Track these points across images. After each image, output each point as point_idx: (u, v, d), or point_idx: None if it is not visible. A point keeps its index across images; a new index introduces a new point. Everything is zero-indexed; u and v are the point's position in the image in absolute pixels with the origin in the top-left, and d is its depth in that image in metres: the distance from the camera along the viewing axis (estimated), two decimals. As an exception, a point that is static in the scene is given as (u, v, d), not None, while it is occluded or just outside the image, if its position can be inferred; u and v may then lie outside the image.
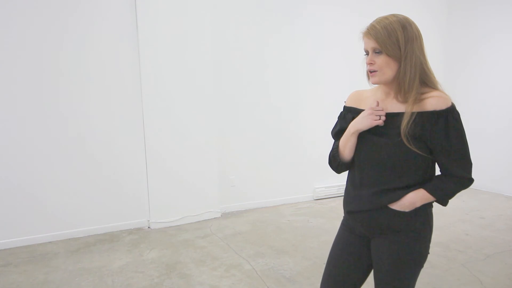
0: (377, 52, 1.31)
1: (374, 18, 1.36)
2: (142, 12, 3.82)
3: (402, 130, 1.28)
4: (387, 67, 1.30)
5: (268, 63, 4.65)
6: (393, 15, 1.32)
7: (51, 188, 3.66)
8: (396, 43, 1.28)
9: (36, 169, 3.60)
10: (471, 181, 1.34)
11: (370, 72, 1.34)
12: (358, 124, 1.38)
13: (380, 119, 1.34)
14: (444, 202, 1.38)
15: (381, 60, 1.30)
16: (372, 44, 1.31)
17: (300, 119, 4.90)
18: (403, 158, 1.31)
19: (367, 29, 1.33)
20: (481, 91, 5.37)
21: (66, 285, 2.77)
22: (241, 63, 4.51)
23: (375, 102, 1.40)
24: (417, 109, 1.28)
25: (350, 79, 4.88)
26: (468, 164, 1.33)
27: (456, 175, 1.32)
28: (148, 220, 4.07)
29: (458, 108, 1.31)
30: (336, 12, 4.98)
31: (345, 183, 1.54)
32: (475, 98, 5.38)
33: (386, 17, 1.32)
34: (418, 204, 1.33)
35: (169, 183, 4.06)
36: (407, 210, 1.33)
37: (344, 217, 1.56)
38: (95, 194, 3.84)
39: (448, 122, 1.26)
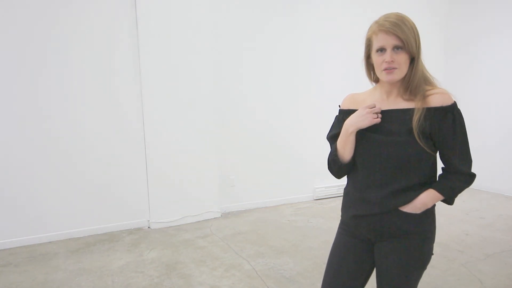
0: (398, 49, 1.27)
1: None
2: (142, 13, 3.82)
3: (414, 126, 1.27)
4: (405, 65, 1.28)
5: (268, 64, 4.65)
6: (399, 12, 1.30)
7: (51, 188, 3.66)
8: (415, 41, 1.27)
9: (36, 169, 3.60)
10: (474, 177, 1.34)
11: (387, 70, 1.29)
12: (358, 123, 1.35)
13: (377, 117, 1.33)
14: (452, 201, 1.38)
15: (401, 57, 1.27)
16: (393, 41, 1.26)
17: (300, 119, 4.90)
18: (411, 156, 1.29)
19: (385, 24, 1.26)
20: (481, 91, 5.37)
21: (66, 285, 2.77)
22: (242, 63, 4.52)
23: (376, 103, 1.38)
24: (423, 105, 1.28)
25: (349, 80, 4.88)
26: (470, 161, 1.34)
27: (461, 171, 1.32)
28: (148, 220, 4.07)
29: (453, 98, 1.33)
30: (336, 14, 4.98)
31: (345, 183, 1.51)
32: (475, 98, 5.38)
33: (398, 14, 1.28)
34: (430, 205, 1.32)
35: (169, 183, 4.06)
36: (418, 212, 1.32)
37: (342, 221, 1.51)
38: (95, 194, 3.84)
39: (455, 118, 1.27)
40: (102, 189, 3.87)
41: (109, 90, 3.84)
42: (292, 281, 2.77)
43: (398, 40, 1.25)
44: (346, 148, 1.40)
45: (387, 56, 1.27)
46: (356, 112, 1.38)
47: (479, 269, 2.91)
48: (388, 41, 1.26)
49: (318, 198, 5.05)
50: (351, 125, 1.37)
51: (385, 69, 1.29)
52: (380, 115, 1.34)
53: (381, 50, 1.29)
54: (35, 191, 3.61)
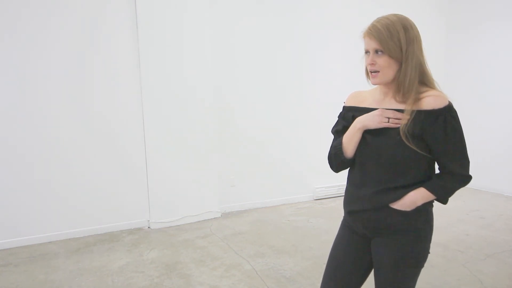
0: (378, 52, 1.30)
1: (374, 18, 1.35)
2: (142, 14, 3.82)
3: (401, 129, 1.29)
4: (388, 68, 1.30)
5: (266, 65, 4.65)
6: (394, 15, 1.32)
7: (51, 188, 3.66)
8: (398, 45, 1.28)
9: (36, 169, 3.60)
10: (469, 178, 1.35)
11: (371, 73, 1.34)
12: (366, 121, 1.37)
13: (388, 122, 1.33)
14: (444, 201, 1.39)
15: (382, 60, 1.30)
16: (373, 44, 1.30)
17: (300, 119, 4.89)
18: (403, 157, 1.31)
19: (369, 29, 1.32)
20: (481, 91, 5.37)
21: (66, 285, 2.77)
22: (241, 63, 4.51)
23: (374, 103, 1.41)
24: (415, 107, 1.29)
25: (349, 79, 4.88)
26: (466, 162, 1.34)
27: (455, 172, 1.33)
28: (148, 220, 4.07)
29: (458, 107, 1.32)
30: (337, 15, 4.98)
31: (345, 183, 1.54)
32: (475, 98, 5.38)
33: (387, 17, 1.31)
34: (419, 203, 1.34)
35: (169, 183, 4.06)
36: (408, 209, 1.33)
37: (344, 217, 1.56)
38: (95, 194, 3.84)
39: (446, 120, 1.27)
40: (102, 189, 3.87)
41: (109, 91, 3.84)
42: (292, 281, 2.77)
43: (377, 44, 1.29)
44: (351, 143, 1.42)
45: (369, 59, 1.33)
46: (372, 111, 1.38)
47: (479, 269, 2.91)
48: (369, 45, 1.32)
49: (318, 198, 5.05)
50: (359, 122, 1.39)
51: (370, 72, 1.35)
52: (390, 120, 1.33)
53: (367, 52, 1.35)
54: (35, 191, 3.61)
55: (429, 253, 1.41)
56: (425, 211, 1.37)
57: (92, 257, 3.27)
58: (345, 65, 5.00)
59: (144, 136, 3.99)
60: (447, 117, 1.27)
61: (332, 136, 1.56)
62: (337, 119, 1.55)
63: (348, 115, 1.47)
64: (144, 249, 3.43)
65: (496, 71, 5.17)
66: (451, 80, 5.54)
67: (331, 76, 5.01)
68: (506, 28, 5.01)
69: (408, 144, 1.28)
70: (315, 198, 5.05)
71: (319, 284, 1.58)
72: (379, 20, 1.31)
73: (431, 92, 1.30)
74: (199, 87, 4.14)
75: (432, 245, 1.43)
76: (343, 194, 1.55)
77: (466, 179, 1.35)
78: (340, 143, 1.45)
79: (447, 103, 1.28)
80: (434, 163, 1.38)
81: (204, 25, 4.11)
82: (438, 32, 5.75)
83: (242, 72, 4.53)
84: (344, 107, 1.53)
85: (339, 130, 1.50)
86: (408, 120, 1.28)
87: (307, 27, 4.83)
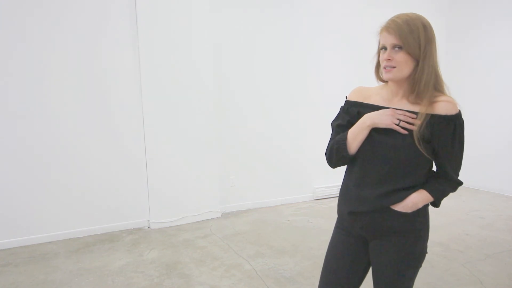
0: (396, 48, 1.28)
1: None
2: (142, 13, 3.82)
3: (415, 131, 1.27)
4: (405, 65, 1.28)
5: (267, 65, 4.65)
6: (413, 13, 1.30)
7: (51, 188, 3.66)
8: (417, 41, 1.26)
9: (36, 169, 3.60)
10: (461, 184, 1.40)
11: (386, 68, 1.31)
12: (376, 119, 1.33)
13: (399, 123, 1.30)
14: (438, 203, 1.42)
15: (399, 56, 1.27)
16: (392, 39, 1.28)
17: (300, 119, 4.89)
18: (410, 159, 1.31)
19: (388, 24, 1.29)
20: (481, 92, 5.37)
21: (66, 285, 2.77)
22: (242, 64, 4.51)
23: (382, 101, 1.38)
24: (428, 111, 1.28)
25: (349, 79, 4.89)
26: (459, 169, 1.38)
27: (452, 178, 1.36)
28: (148, 220, 4.07)
29: (458, 107, 1.32)
30: (337, 15, 4.98)
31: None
32: (475, 98, 5.38)
33: (407, 14, 1.29)
34: (420, 205, 1.34)
35: (169, 183, 4.06)
36: (409, 211, 1.33)
37: (338, 219, 1.53)
38: (95, 194, 3.84)
39: (456, 128, 1.29)
40: (102, 189, 3.87)
41: (109, 91, 3.84)
42: (292, 281, 2.77)
43: (396, 39, 1.27)
44: (356, 140, 1.38)
45: (386, 54, 1.30)
46: (383, 110, 1.36)
47: (479, 269, 2.91)
48: (388, 39, 1.29)
49: (318, 198, 5.05)
50: (369, 119, 1.35)
51: (384, 67, 1.31)
52: (401, 123, 1.30)
53: (383, 48, 1.32)
54: (35, 191, 3.61)
55: (426, 252, 1.42)
56: (423, 212, 1.38)
57: (92, 257, 3.27)
58: (345, 66, 5.00)
59: (144, 137, 3.98)
60: (456, 125, 1.28)
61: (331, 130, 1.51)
62: (338, 112, 1.51)
63: (353, 110, 1.43)
64: (144, 249, 3.43)
65: (497, 72, 5.16)
66: (451, 80, 5.53)
67: (331, 77, 5.01)
68: (506, 29, 5.01)
69: (419, 146, 1.27)
70: (315, 198, 5.05)
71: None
72: (398, 16, 1.29)
73: (443, 97, 1.30)
74: (200, 88, 4.13)
75: (432, 245, 1.44)
76: (339, 193, 1.52)
77: (458, 185, 1.39)
78: (345, 138, 1.41)
79: (458, 110, 1.29)
80: (433, 166, 1.39)
81: (205, 16, 4.10)
82: (438, 34, 5.73)
83: (243, 73, 4.53)
84: (347, 101, 1.48)
85: (343, 124, 1.45)
86: (421, 125, 1.26)
87: (306, 26, 4.82)
